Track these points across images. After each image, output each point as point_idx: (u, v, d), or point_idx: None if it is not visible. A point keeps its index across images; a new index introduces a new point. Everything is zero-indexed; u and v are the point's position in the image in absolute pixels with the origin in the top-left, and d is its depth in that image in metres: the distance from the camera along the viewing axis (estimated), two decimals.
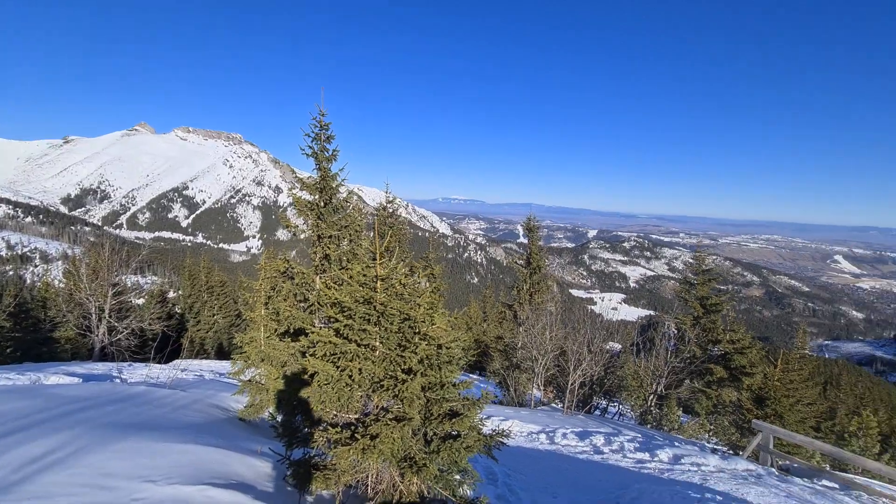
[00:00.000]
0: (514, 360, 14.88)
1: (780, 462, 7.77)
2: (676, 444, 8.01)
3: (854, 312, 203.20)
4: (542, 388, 14.75)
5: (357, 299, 3.91)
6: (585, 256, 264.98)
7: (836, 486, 7.26)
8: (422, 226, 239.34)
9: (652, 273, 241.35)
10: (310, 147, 6.92)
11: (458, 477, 3.91)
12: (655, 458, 6.78)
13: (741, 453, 8.14)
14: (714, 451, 8.33)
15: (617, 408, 13.68)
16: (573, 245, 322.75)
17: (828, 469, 8.92)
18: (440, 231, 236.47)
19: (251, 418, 6.53)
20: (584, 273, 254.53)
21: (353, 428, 3.55)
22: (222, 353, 24.76)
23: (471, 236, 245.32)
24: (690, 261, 14.45)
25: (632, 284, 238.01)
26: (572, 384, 12.11)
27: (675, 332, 13.75)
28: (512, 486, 5.28)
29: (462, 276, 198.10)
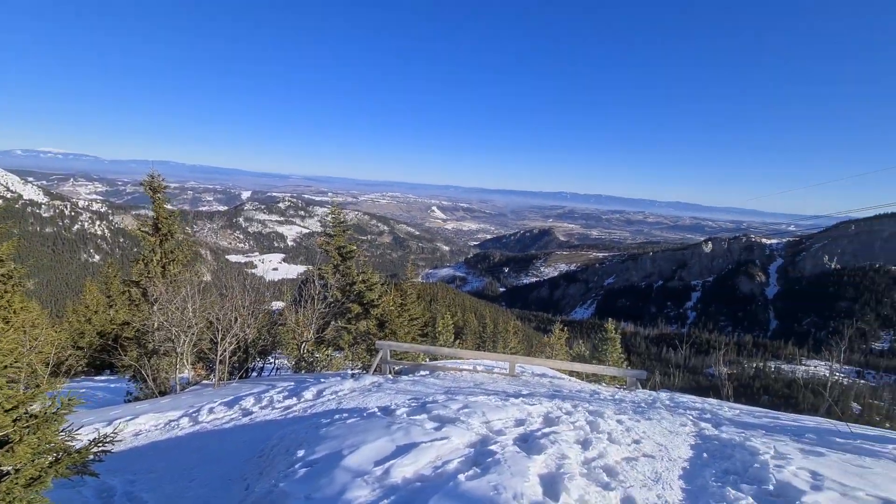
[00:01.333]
0: (151, 344, 12.55)
1: (395, 368, 10.10)
2: (322, 380, 8.98)
3: (444, 247, 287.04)
4: (190, 367, 13.22)
5: None
6: (241, 219, 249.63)
7: (427, 372, 10.15)
8: None
9: (307, 231, 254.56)
10: None
11: None
12: (302, 400, 7.37)
13: (369, 371, 10.05)
14: (352, 375, 9.87)
15: (273, 363, 13.99)
16: (226, 208, 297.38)
17: (427, 362, 12.32)
18: (24, 196, 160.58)
19: None
20: (242, 236, 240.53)
21: None
22: None
23: (82, 202, 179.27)
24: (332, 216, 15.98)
25: (290, 243, 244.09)
26: (223, 353, 11.39)
27: (322, 281, 15.11)
28: (135, 494, 4.47)
29: (75, 254, 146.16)
